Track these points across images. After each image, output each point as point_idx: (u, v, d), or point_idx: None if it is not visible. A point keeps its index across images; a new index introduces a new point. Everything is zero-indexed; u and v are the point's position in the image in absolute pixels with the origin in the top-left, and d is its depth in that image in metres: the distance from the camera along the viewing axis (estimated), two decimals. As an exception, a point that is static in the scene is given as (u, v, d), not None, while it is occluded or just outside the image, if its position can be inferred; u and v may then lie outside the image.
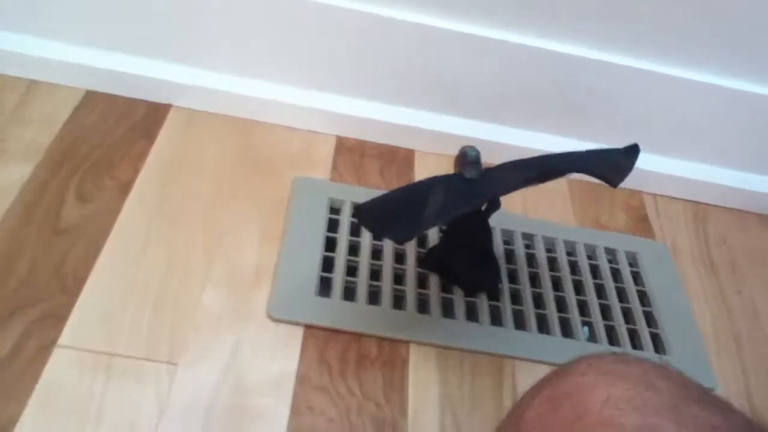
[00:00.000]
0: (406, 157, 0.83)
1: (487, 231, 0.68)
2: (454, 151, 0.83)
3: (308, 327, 0.61)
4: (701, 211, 0.87)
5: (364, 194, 0.72)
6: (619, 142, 0.86)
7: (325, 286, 0.65)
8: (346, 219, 0.72)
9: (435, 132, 0.83)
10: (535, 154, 0.83)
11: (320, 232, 0.69)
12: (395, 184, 0.79)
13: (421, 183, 0.62)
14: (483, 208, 0.66)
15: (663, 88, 0.81)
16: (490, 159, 0.84)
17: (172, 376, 0.55)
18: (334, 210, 0.73)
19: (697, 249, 0.82)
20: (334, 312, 0.62)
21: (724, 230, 0.86)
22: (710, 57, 0.79)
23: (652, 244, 0.79)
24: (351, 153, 0.81)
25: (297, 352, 0.59)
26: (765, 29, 0.77)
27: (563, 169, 0.63)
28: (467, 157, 0.62)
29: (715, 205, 0.88)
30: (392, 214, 0.57)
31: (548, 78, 0.81)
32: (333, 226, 0.71)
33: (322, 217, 0.71)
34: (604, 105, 0.83)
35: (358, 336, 0.61)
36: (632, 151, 0.61)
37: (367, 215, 0.58)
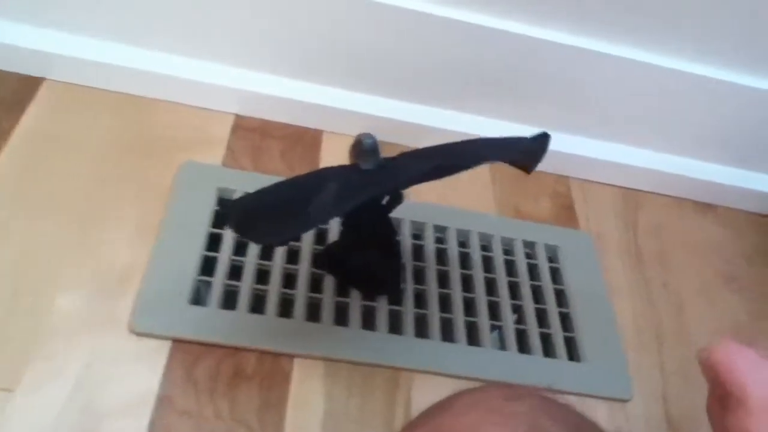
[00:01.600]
0: (313, 138, 0.75)
1: (389, 227, 0.61)
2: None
3: (177, 341, 0.54)
4: (633, 199, 0.82)
5: (260, 182, 0.65)
6: (548, 125, 0.79)
7: (201, 292, 0.58)
8: (236, 211, 0.64)
9: (346, 111, 0.75)
10: (461, 137, 0.77)
11: (203, 227, 0.61)
12: (297, 168, 0.71)
13: (309, 175, 0.55)
14: (384, 202, 0.59)
15: (595, 67, 0.74)
16: (412, 143, 0.77)
17: (6, 404, 0.47)
18: (223, 201, 0.65)
19: (624, 239, 0.77)
20: (208, 323, 0.55)
21: (657, 218, 0.81)
22: (649, 35, 0.72)
23: (575, 235, 0.74)
24: (250, 134, 0.73)
25: (160, 370, 0.52)
26: (709, 7, 0.70)
27: (471, 159, 0.56)
28: (363, 146, 0.55)
29: (649, 192, 0.83)
30: (269, 213, 0.50)
31: (473, 55, 0.73)
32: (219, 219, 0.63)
33: (208, 208, 0.63)
34: (535, 85, 0.76)
35: (234, 350, 0.55)
36: (543, 138, 0.55)
37: (236, 214, 0.50)
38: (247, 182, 0.67)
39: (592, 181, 0.82)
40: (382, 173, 0.55)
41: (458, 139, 0.76)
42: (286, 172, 0.70)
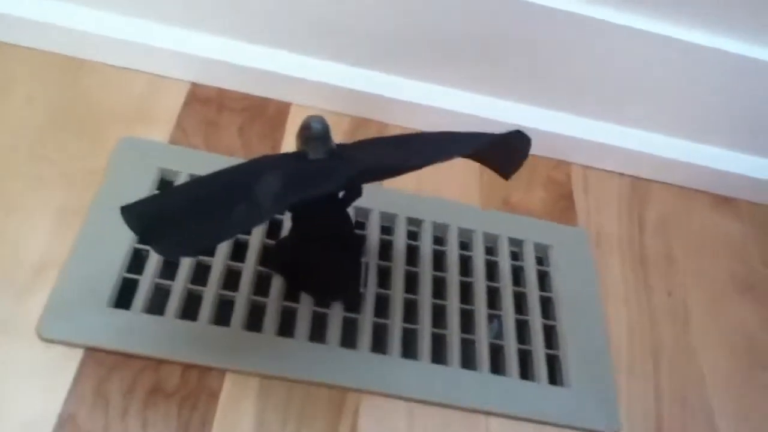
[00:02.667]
0: (278, 111, 0.67)
1: (346, 223, 0.53)
2: (339, 106, 0.68)
3: (92, 350, 0.47)
4: (641, 189, 0.73)
5: (210, 163, 0.58)
6: (546, 102, 0.71)
7: (126, 292, 0.50)
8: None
9: (316, 82, 0.66)
10: (442, 114, 0.68)
11: (137, 215, 0.54)
12: (256, 146, 0.63)
13: (247, 165, 0.47)
14: (340, 194, 0.51)
15: (599, 38, 0.64)
16: (389, 118, 0.69)
17: None
18: (165, 184, 0.57)
19: (627, 237, 0.68)
20: (129, 329, 0.48)
21: (666, 212, 0.71)
22: (662, 2, 0.62)
23: (570, 232, 0.65)
24: (205, 105, 0.65)
25: (67, 384, 0.45)
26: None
27: (433, 155, 0.47)
28: (311, 132, 0.46)
29: (659, 182, 0.74)
30: (184, 215, 0.42)
31: (460, 22, 0.63)
32: (157, 206, 0.56)
33: (146, 193, 0.55)
34: (527, 56, 0.66)
35: (157, 362, 0.48)
36: (521, 138, 0.46)
37: (144, 218, 0.41)
38: (195, 163, 0.59)
39: (596, 168, 0.72)
40: (332, 164, 0.46)
41: (438, 115, 0.68)
42: (242, 150, 0.62)
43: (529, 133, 0.47)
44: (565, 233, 0.64)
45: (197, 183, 0.44)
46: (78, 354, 0.47)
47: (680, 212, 0.72)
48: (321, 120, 0.47)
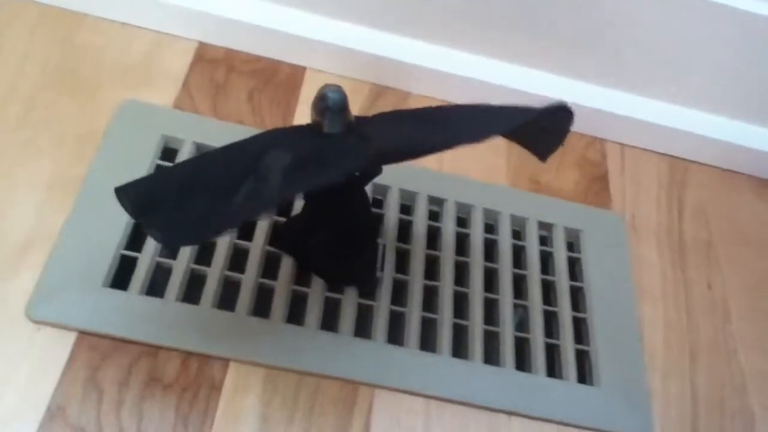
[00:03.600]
0: (293, 75, 0.62)
1: (363, 203, 0.48)
2: (359, 72, 0.63)
3: (84, 334, 0.44)
4: (681, 170, 0.67)
5: (218, 130, 0.54)
6: (582, 74, 0.65)
7: (123, 272, 0.46)
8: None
9: (335, 45, 0.60)
10: (472, 85, 0.63)
11: (136, 187, 0.50)
12: (267, 113, 0.58)
13: (255, 141, 0.42)
14: (357, 172, 0.46)
15: (640, 4, 0.58)
16: (407, 86, 0.64)
17: None
18: (168, 152, 0.53)
19: (666, 223, 0.63)
20: (126, 312, 0.44)
21: (707, 197, 0.66)
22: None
23: (604, 217, 0.60)
24: (213, 67, 0.60)
25: (58, 371, 0.42)
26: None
27: (464, 136, 0.42)
28: (327, 102, 0.42)
29: (701, 163, 0.68)
30: (183, 198, 0.37)
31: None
32: (159, 177, 0.51)
33: (147, 162, 0.51)
34: (562, 24, 0.60)
35: (155, 349, 0.44)
36: (562, 113, 0.41)
37: (142, 201, 0.36)
38: (201, 130, 0.54)
39: (633, 147, 0.67)
40: (348, 141, 0.41)
41: (465, 84, 0.62)
42: (251, 117, 0.57)
43: (562, 108, 0.42)
44: (598, 217, 0.60)
45: (200, 162, 0.40)
46: (70, 338, 0.43)
47: (722, 196, 0.67)
48: (338, 90, 0.42)
